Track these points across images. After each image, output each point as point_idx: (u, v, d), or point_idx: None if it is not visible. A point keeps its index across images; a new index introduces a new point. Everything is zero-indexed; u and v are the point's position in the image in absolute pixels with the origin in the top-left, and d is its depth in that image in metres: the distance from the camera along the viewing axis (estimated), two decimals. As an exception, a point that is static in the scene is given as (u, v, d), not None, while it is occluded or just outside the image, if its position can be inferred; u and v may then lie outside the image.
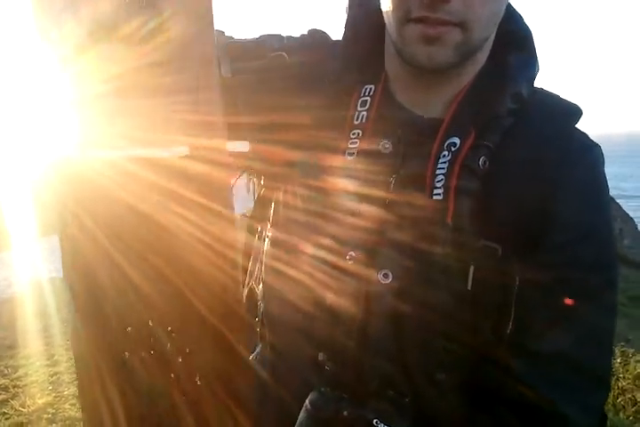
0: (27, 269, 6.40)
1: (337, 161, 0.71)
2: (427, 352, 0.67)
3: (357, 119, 0.71)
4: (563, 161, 0.67)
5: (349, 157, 0.70)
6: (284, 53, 0.80)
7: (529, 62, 0.72)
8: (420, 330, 0.67)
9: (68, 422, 2.85)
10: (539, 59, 0.72)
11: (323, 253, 0.70)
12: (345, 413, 0.63)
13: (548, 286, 0.65)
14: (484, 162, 0.65)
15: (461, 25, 0.62)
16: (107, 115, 0.51)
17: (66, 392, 3.18)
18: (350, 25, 0.75)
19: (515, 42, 0.71)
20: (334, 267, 0.70)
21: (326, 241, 0.71)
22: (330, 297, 0.70)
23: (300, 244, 0.73)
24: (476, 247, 0.65)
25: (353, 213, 0.69)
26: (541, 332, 0.66)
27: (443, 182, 0.65)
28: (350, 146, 0.71)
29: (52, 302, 4.98)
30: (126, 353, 0.53)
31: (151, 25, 0.50)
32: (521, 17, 0.73)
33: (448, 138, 0.67)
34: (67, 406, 3.02)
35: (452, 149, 0.66)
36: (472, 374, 0.68)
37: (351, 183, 0.70)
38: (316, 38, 0.81)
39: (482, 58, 0.70)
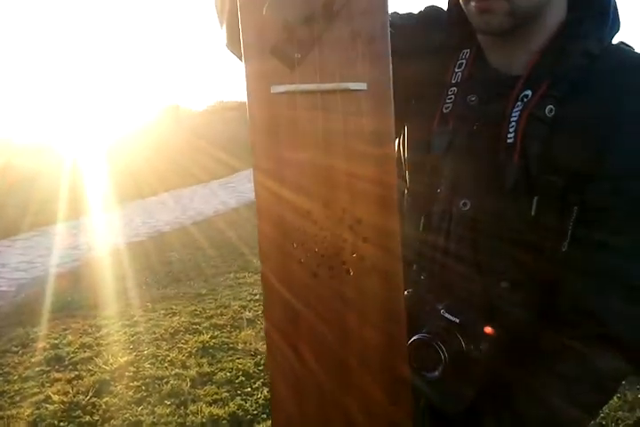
0: (105, 234, 6.65)
1: (437, 114, 0.87)
2: (496, 260, 0.82)
3: (454, 79, 0.87)
4: (620, 110, 0.77)
5: (445, 111, 0.86)
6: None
7: (601, 22, 0.81)
8: (491, 242, 0.83)
9: (148, 380, 2.95)
10: (619, 19, 0.83)
11: (421, 188, 0.90)
12: (427, 307, 0.85)
13: (602, 208, 0.77)
14: (551, 110, 0.77)
15: None
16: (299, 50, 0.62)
17: (145, 352, 3.29)
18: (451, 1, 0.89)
19: (589, 6, 0.81)
20: (428, 197, 0.88)
21: (424, 177, 0.89)
22: (423, 220, 0.89)
23: (405, 180, 0.94)
24: (539, 181, 0.78)
25: (443, 154, 0.85)
26: (594, 248, 0.78)
27: (514, 128, 0.78)
28: (447, 101, 0.86)
29: (129, 266, 5.17)
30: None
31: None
32: None
33: (522, 91, 0.80)
34: (147, 364, 3.12)
35: (525, 100, 0.79)
36: (536, 293, 0.81)
37: (444, 131, 0.86)
38: (430, 13, 0.95)
39: (552, 21, 0.82)
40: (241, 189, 9.91)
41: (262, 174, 0.64)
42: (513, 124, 0.79)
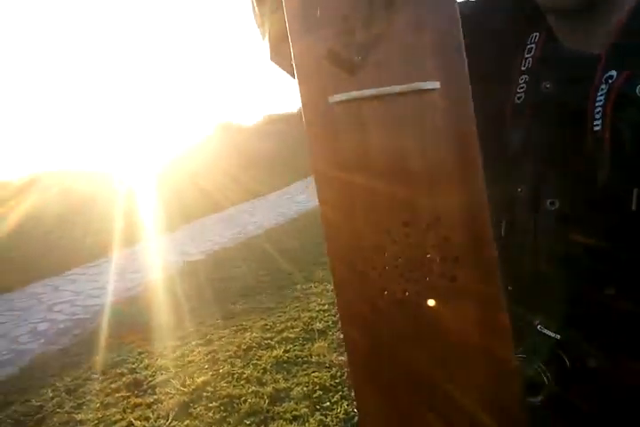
0: (168, 254, 6.75)
1: (509, 106, 0.78)
2: (596, 263, 0.71)
3: (524, 65, 0.79)
4: None
5: (518, 101, 0.77)
6: None
7: None
8: (588, 243, 0.71)
9: (226, 399, 2.92)
10: None
11: (497, 188, 0.79)
12: (520, 323, 0.72)
13: None
14: None
15: None
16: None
17: (221, 370, 3.27)
18: None
19: None
20: (507, 198, 0.78)
21: (500, 177, 0.77)
22: (504, 224, 0.80)
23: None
24: (637, 172, 0.67)
25: (520, 149, 0.77)
26: None
27: (601, 113, 0.69)
28: (519, 91, 0.78)
29: (194, 284, 5.22)
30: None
31: None
32: None
33: (606, 72, 0.71)
34: (223, 384, 3.10)
35: (610, 81, 0.70)
36: None
37: (519, 124, 0.77)
38: None
39: None
40: (298, 199, 9.92)
41: (328, 193, 0.55)
42: (599, 109, 0.69)
